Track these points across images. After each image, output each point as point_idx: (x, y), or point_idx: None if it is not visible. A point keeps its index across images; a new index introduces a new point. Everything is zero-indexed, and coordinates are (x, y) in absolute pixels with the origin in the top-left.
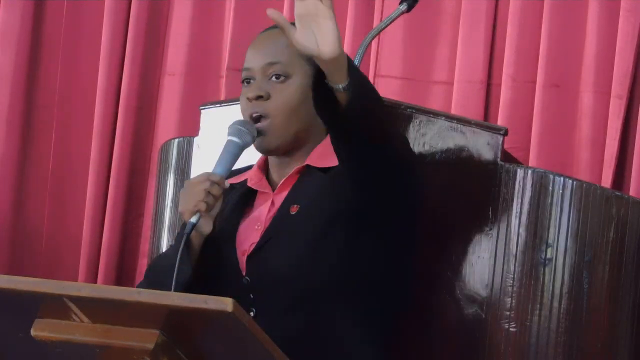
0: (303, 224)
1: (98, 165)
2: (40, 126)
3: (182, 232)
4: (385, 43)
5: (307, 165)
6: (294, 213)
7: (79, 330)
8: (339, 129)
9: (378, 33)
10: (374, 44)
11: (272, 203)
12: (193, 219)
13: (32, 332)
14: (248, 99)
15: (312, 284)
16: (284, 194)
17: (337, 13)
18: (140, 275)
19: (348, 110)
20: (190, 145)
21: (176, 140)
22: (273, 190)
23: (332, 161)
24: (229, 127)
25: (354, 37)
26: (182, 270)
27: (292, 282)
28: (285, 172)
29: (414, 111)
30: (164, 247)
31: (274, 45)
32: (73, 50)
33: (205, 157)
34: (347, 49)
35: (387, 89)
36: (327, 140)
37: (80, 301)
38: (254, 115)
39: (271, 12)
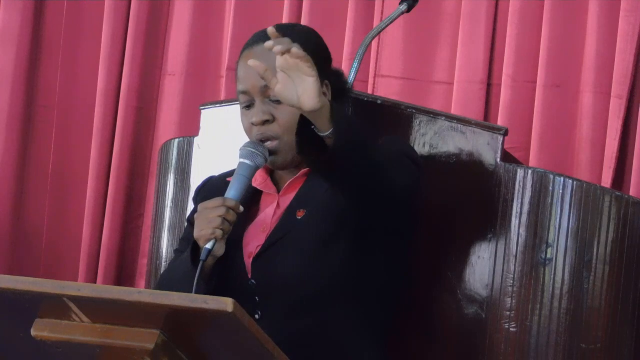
0: (308, 229)
1: (98, 165)
2: (40, 126)
3: (192, 249)
4: (385, 43)
5: None
6: (299, 217)
7: (79, 330)
8: (326, 173)
9: (378, 33)
10: (374, 44)
11: (278, 205)
12: (208, 245)
13: (32, 332)
14: (253, 124)
15: (316, 288)
16: (290, 195)
17: (337, 13)
18: (140, 276)
19: (333, 156)
20: (190, 145)
21: (176, 140)
22: (278, 191)
23: None
24: (240, 150)
25: (354, 37)
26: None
27: (296, 285)
28: (290, 173)
29: (414, 111)
30: (164, 247)
31: (267, 63)
32: (73, 50)
33: (205, 157)
34: (347, 49)
35: (387, 89)
36: None
37: (80, 301)
38: (263, 138)
39: (251, 62)
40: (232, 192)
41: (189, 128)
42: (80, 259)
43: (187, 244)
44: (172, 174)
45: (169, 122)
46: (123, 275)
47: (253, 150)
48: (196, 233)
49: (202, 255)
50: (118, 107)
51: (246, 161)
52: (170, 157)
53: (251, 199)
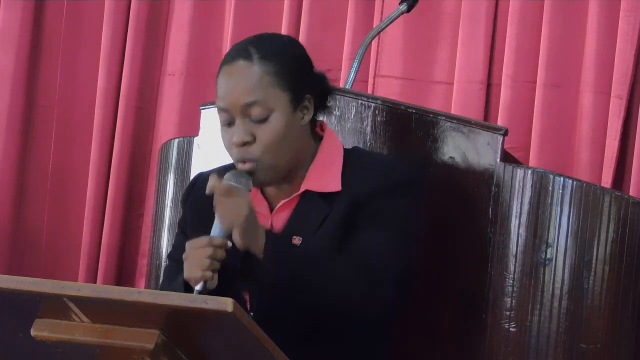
0: (306, 260)
1: (98, 165)
2: (40, 126)
3: (184, 289)
4: (385, 43)
5: (306, 190)
6: (296, 245)
7: (79, 330)
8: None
9: (378, 33)
10: (374, 44)
11: (272, 226)
12: (198, 287)
13: (32, 332)
14: (233, 144)
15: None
16: (282, 215)
17: (337, 13)
18: (140, 276)
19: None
20: (190, 145)
21: (176, 140)
22: (270, 208)
23: (330, 185)
24: (223, 182)
25: (354, 37)
26: None
27: (294, 317)
28: (281, 190)
29: (414, 111)
30: (164, 247)
31: (247, 82)
32: (73, 50)
33: (205, 157)
34: (347, 49)
35: (387, 89)
36: (321, 158)
37: (80, 301)
38: (244, 160)
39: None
40: (218, 229)
41: (189, 128)
42: (80, 259)
43: (181, 252)
44: (172, 174)
45: (169, 122)
46: (123, 275)
47: (235, 184)
48: (186, 274)
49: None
50: (118, 107)
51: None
52: (170, 157)
53: None
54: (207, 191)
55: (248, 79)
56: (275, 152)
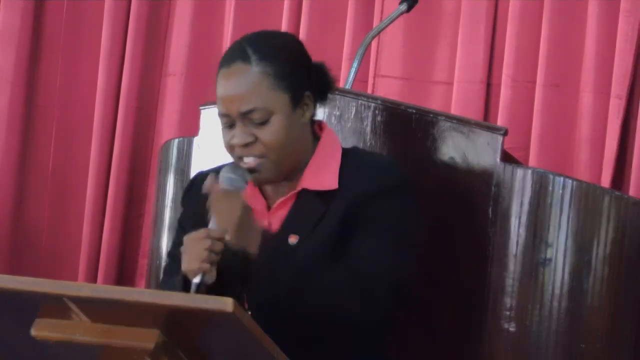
0: (303, 257)
1: (98, 165)
2: (40, 126)
3: (183, 282)
4: (385, 43)
5: (303, 188)
6: (293, 244)
7: (79, 330)
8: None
9: (378, 33)
10: (374, 44)
11: (269, 224)
12: (197, 280)
13: (32, 332)
14: (235, 145)
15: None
16: (280, 213)
17: (337, 13)
18: (140, 276)
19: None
20: (190, 145)
21: (176, 140)
22: (268, 206)
23: (326, 183)
24: (220, 176)
25: (354, 37)
26: None
27: (288, 320)
28: (279, 188)
29: (414, 111)
30: (164, 247)
31: (246, 87)
32: (73, 50)
33: (205, 157)
34: (347, 49)
35: (387, 89)
36: (318, 156)
37: (80, 301)
38: (246, 160)
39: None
40: (216, 226)
41: (189, 128)
42: (80, 259)
43: (180, 249)
44: (172, 174)
45: (169, 122)
46: (123, 275)
47: (232, 175)
48: (184, 267)
49: (192, 289)
50: (118, 107)
51: (228, 187)
52: (170, 157)
53: None
54: (203, 191)
55: (246, 84)
56: (278, 151)
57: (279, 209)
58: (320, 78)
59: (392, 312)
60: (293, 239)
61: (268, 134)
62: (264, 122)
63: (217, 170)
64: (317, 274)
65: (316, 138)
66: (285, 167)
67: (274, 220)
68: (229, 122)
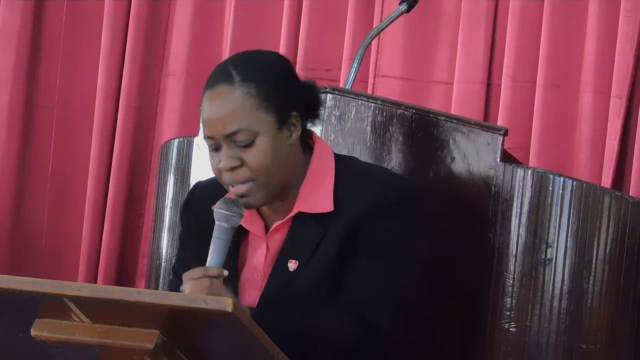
0: (304, 284)
1: (98, 165)
2: (40, 126)
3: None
4: (385, 43)
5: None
6: (292, 270)
7: (79, 330)
8: None
9: (378, 33)
10: (374, 44)
11: (268, 248)
12: None
13: (32, 332)
14: (221, 169)
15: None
16: (277, 237)
17: (337, 13)
18: (140, 276)
19: None
20: (190, 145)
21: (176, 140)
22: (265, 228)
23: (322, 205)
24: (214, 212)
25: (354, 37)
26: None
27: (291, 349)
28: (275, 210)
29: (414, 111)
30: (164, 247)
31: (229, 109)
32: (73, 50)
33: (205, 157)
34: (347, 49)
35: (387, 89)
36: (311, 175)
37: (80, 301)
38: (233, 189)
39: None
40: (214, 260)
41: (189, 128)
42: (80, 259)
43: (184, 266)
44: (172, 174)
45: (169, 122)
46: (123, 275)
47: (227, 212)
48: None
49: None
50: (118, 107)
51: (223, 224)
52: (170, 157)
53: (238, 236)
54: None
55: (230, 105)
56: (265, 174)
57: (276, 232)
58: (309, 97)
59: (394, 335)
60: (293, 265)
61: (254, 156)
62: (249, 144)
63: (212, 183)
64: (317, 310)
65: (308, 150)
66: (274, 189)
67: (272, 243)
68: (214, 145)
